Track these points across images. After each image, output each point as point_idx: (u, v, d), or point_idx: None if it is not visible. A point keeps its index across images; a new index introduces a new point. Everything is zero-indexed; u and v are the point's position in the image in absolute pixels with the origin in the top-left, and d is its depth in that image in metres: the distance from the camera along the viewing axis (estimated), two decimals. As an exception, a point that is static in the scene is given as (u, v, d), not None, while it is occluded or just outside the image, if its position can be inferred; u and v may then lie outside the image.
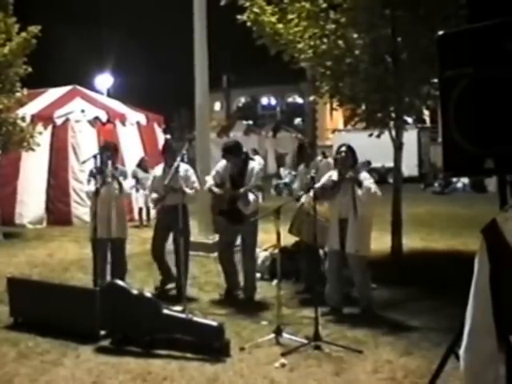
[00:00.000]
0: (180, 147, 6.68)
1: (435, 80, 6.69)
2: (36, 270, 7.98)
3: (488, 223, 2.62)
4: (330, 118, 33.96)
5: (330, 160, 6.54)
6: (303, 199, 6.00)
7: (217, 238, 7.17)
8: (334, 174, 5.64)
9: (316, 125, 36.87)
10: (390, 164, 8.27)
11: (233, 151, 6.12)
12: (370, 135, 8.18)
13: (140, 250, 8.47)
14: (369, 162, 5.58)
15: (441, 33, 3.06)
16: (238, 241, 6.51)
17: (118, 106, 15.19)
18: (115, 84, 33.75)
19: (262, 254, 7.34)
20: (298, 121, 46.40)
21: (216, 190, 6.08)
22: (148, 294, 5.11)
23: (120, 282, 5.15)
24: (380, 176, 19.07)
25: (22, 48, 10.55)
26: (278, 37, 7.80)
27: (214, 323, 4.77)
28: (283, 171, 23.04)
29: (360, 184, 5.37)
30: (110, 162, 6.24)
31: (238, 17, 8.04)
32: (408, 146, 8.92)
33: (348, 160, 5.57)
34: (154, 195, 6.46)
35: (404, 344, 4.77)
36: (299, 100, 46.44)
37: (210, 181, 6.21)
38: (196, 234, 8.80)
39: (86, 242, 6.91)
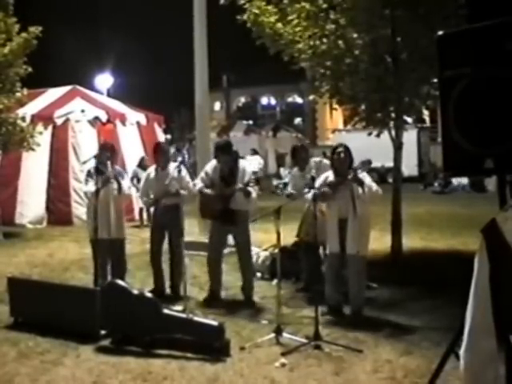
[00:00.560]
0: (178, 147, 6.73)
1: (435, 80, 6.69)
2: (36, 270, 7.99)
3: (488, 223, 2.62)
4: (329, 118, 34.00)
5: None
6: (307, 204, 6.02)
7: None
8: (330, 175, 5.64)
9: (316, 125, 36.94)
10: (390, 164, 8.26)
11: (224, 150, 6.14)
12: (370, 134, 8.19)
13: (140, 250, 8.46)
14: (369, 161, 5.57)
15: (440, 33, 3.07)
16: (230, 240, 6.52)
17: (118, 105, 15.19)
18: (115, 84, 33.80)
19: (262, 254, 7.36)
20: (297, 121, 46.33)
21: (207, 190, 6.09)
22: (148, 294, 5.13)
23: (120, 282, 5.15)
24: (380, 176, 19.04)
25: (22, 48, 10.55)
26: (277, 37, 7.79)
27: (214, 323, 4.77)
28: (283, 171, 23.03)
29: (362, 183, 5.37)
30: (109, 163, 6.25)
31: (238, 17, 8.05)
32: (408, 145, 8.93)
33: (346, 160, 5.58)
34: (145, 198, 6.60)
35: (404, 343, 4.77)
36: (299, 100, 46.36)
37: (199, 183, 6.21)
38: (196, 234, 8.81)
39: (86, 241, 6.91)
